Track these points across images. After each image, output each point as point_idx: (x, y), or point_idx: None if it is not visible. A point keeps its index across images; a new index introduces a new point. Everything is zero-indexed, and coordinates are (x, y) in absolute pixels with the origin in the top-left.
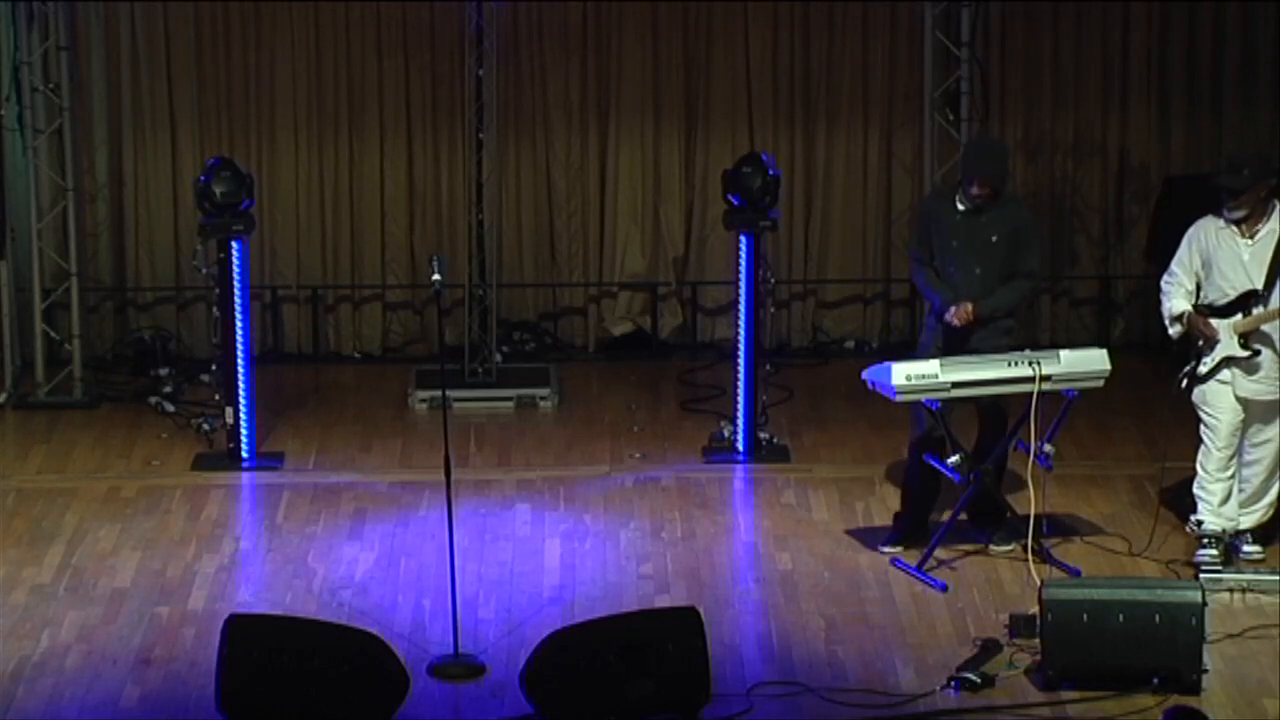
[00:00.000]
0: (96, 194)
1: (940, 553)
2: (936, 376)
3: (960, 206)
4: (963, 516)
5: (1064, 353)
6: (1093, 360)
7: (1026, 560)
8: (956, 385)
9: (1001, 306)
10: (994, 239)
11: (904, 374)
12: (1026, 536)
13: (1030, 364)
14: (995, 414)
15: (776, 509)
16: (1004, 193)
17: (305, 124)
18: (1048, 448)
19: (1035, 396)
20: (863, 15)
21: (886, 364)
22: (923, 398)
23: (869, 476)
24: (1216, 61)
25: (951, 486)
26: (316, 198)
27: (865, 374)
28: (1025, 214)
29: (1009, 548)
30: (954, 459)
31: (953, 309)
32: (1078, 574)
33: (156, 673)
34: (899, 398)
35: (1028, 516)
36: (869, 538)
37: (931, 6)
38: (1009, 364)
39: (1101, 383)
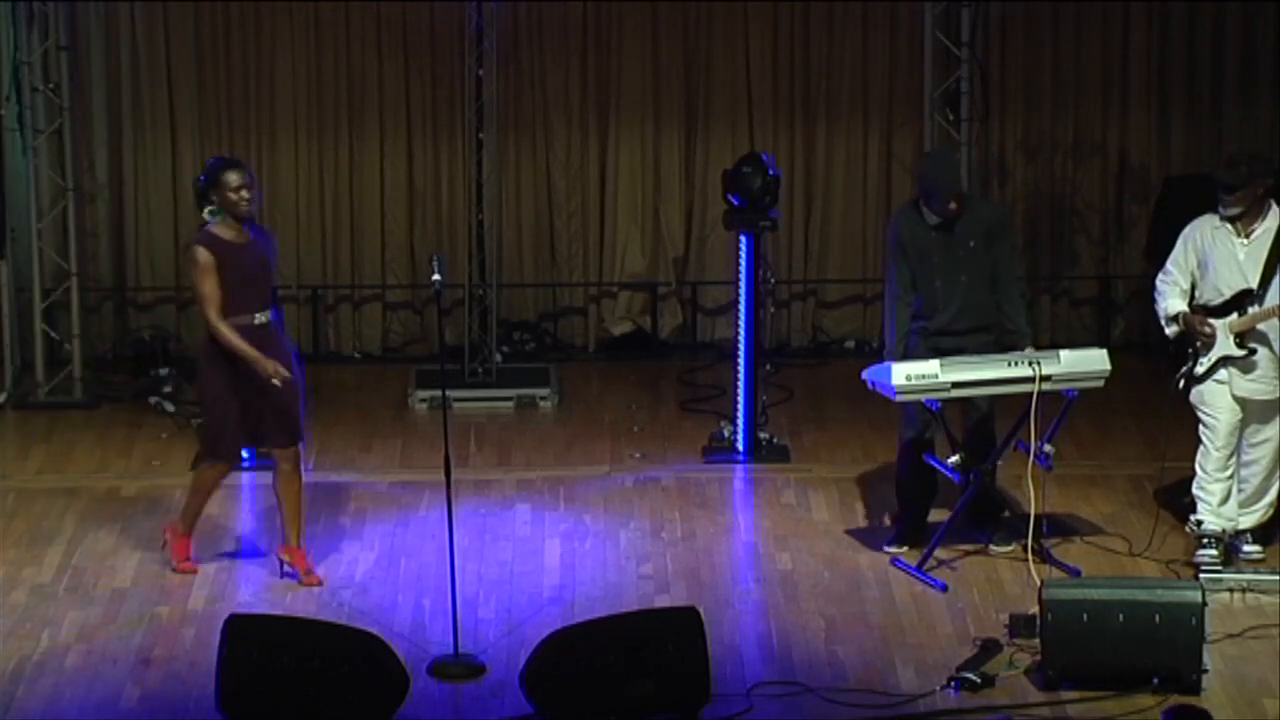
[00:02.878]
0: (96, 194)
1: (940, 553)
2: (937, 376)
3: (930, 220)
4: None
5: (1064, 353)
6: (1093, 360)
7: (1027, 560)
8: (957, 385)
9: (1027, 322)
10: (972, 244)
11: (904, 374)
12: (1027, 536)
13: (1030, 364)
14: (983, 430)
15: (776, 509)
16: (966, 192)
17: (305, 124)
18: (1048, 448)
19: (1035, 397)
20: (863, 15)
21: (886, 364)
22: (923, 398)
23: (869, 476)
24: (1216, 61)
25: (950, 486)
26: (316, 198)
27: (865, 374)
28: (995, 210)
29: (1009, 548)
30: (954, 459)
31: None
32: (1078, 574)
33: (156, 673)
34: (899, 397)
35: (1028, 516)
36: (869, 538)
37: (931, 6)
38: (1009, 364)
39: (1102, 383)
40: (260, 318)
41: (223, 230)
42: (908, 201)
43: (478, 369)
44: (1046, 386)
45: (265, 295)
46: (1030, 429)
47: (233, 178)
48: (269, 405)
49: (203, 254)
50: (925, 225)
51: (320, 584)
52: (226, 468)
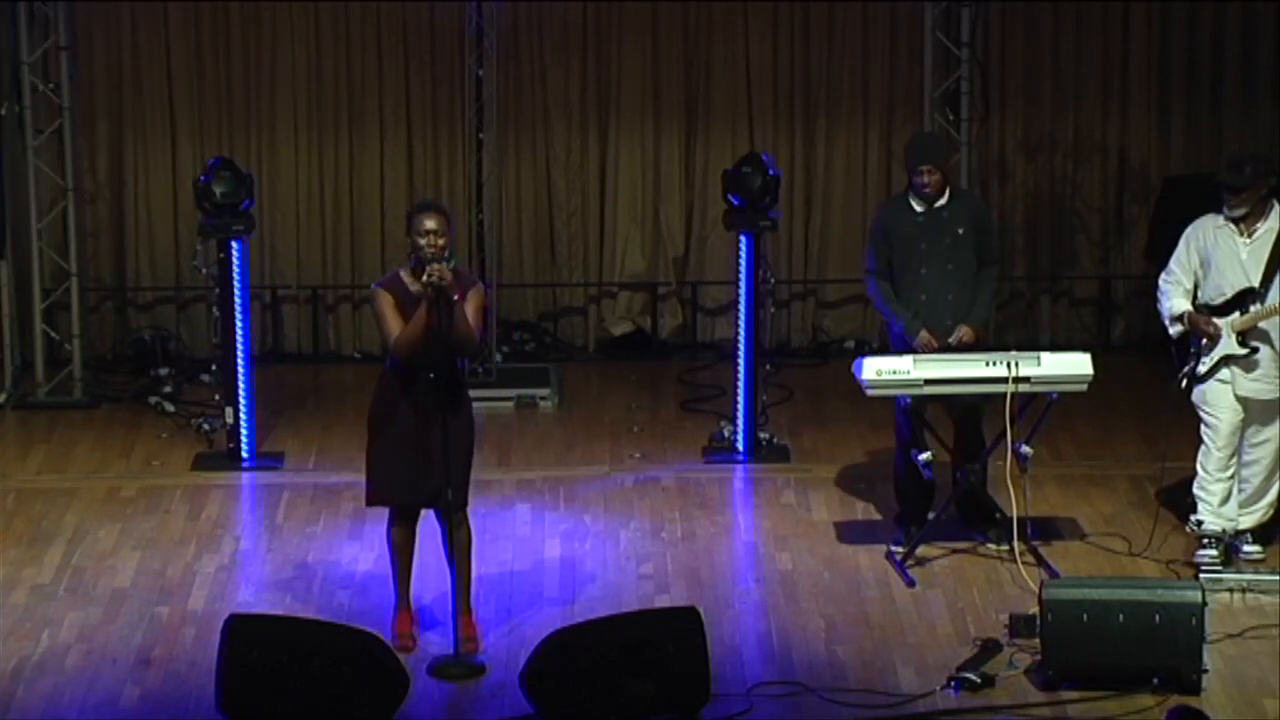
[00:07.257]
0: (96, 194)
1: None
2: (909, 372)
3: (917, 209)
4: (949, 514)
5: (1045, 355)
6: (1074, 364)
7: (1015, 562)
8: (930, 382)
9: (989, 309)
10: (960, 232)
11: (875, 368)
12: (1020, 537)
13: (1007, 364)
14: (969, 418)
15: (776, 509)
16: (954, 183)
17: (305, 124)
18: (1025, 449)
19: (1009, 397)
20: (863, 15)
21: (860, 358)
22: (895, 393)
23: (869, 476)
24: (1216, 61)
25: (949, 485)
26: (316, 198)
27: (853, 367)
28: (979, 202)
29: (1004, 547)
30: (924, 455)
31: (955, 337)
32: (1056, 576)
33: (156, 673)
34: (871, 392)
35: (1021, 517)
36: (869, 538)
37: (931, 6)
38: (986, 363)
39: (1084, 387)
40: (432, 375)
41: (409, 275)
42: (897, 192)
43: (478, 369)
44: (1024, 388)
45: (443, 351)
46: (1022, 430)
47: (421, 221)
48: (438, 461)
49: (381, 294)
50: (911, 213)
51: (476, 650)
52: (402, 524)
